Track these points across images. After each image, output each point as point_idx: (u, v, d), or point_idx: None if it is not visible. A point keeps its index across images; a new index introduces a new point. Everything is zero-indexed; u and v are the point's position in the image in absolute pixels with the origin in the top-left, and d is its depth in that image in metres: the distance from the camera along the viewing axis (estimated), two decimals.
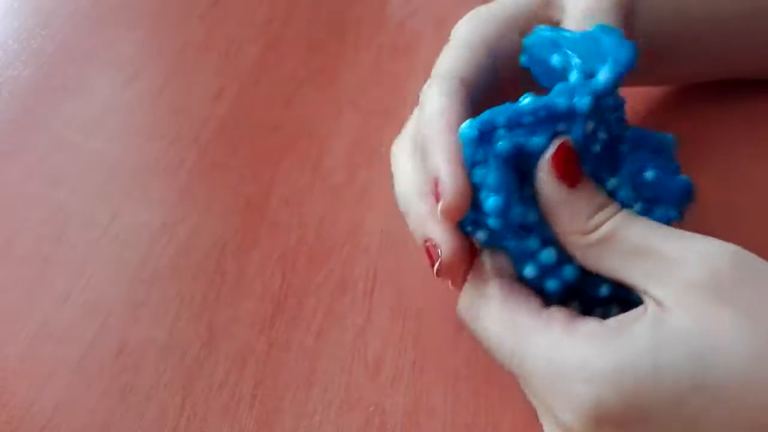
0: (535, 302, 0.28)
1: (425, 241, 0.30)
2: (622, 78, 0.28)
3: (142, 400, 0.36)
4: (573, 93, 0.27)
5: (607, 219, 0.27)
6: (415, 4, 0.57)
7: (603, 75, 0.28)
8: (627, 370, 0.24)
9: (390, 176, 0.44)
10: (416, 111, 0.33)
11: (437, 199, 0.28)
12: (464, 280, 0.30)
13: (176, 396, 0.36)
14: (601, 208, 0.27)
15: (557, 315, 0.27)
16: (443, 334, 0.37)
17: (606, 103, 0.28)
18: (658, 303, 0.25)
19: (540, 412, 0.28)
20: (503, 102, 0.28)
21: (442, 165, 0.28)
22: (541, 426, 0.31)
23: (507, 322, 0.27)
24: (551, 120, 0.27)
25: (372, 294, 0.39)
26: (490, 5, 0.34)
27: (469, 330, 0.30)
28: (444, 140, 0.29)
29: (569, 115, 0.27)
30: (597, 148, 0.28)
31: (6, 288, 0.42)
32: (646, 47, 0.35)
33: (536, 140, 0.27)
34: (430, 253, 0.30)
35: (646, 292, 0.26)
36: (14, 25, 0.59)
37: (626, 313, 0.26)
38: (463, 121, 0.28)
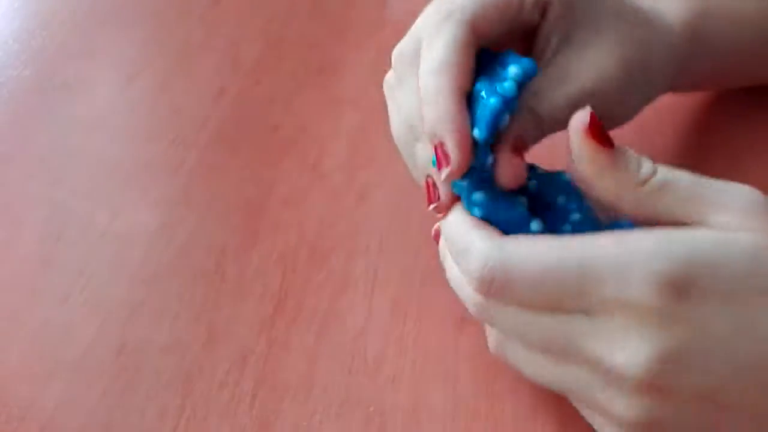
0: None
1: (427, 178, 0.32)
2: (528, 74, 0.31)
3: (142, 400, 0.36)
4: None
5: (654, 170, 0.28)
6: (415, 4, 0.57)
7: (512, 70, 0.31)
8: (692, 250, 0.26)
9: (390, 176, 0.45)
10: (411, 35, 0.34)
11: (439, 159, 0.30)
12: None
13: (176, 396, 0.36)
14: (641, 160, 0.28)
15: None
16: (443, 334, 0.37)
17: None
18: (721, 228, 0.27)
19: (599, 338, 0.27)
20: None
21: (447, 135, 0.30)
22: (539, 426, 0.31)
23: (563, 245, 0.27)
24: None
25: (372, 294, 0.39)
26: None
27: (517, 284, 0.27)
28: (447, 103, 0.30)
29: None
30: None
31: (6, 288, 0.42)
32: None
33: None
34: (431, 190, 0.32)
35: (704, 223, 0.27)
36: (14, 25, 0.59)
37: None
38: (468, 75, 0.30)
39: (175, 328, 0.39)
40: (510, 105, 0.30)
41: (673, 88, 0.40)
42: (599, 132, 0.28)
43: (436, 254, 0.33)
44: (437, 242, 0.33)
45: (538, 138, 0.32)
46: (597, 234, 0.27)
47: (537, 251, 0.27)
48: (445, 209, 0.31)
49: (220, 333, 0.38)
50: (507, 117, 0.30)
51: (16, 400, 0.36)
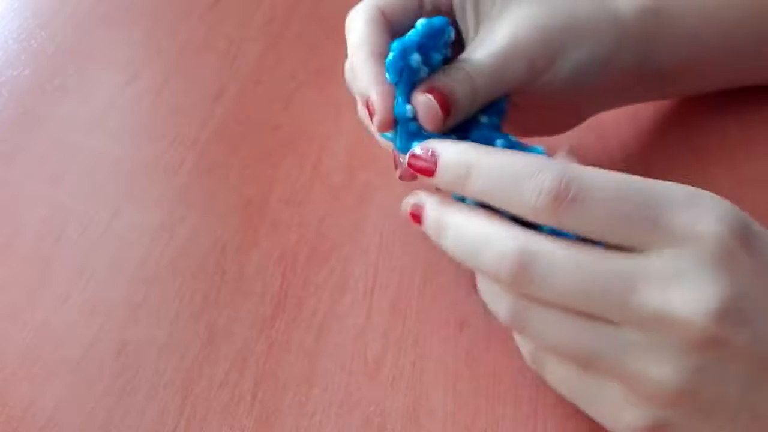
0: None
1: (365, 102, 0.34)
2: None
3: (142, 400, 0.36)
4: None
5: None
6: None
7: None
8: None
9: (390, 176, 0.45)
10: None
11: (370, 115, 0.34)
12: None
13: (176, 396, 0.36)
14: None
15: None
16: (443, 334, 0.37)
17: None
18: None
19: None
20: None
21: (370, 88, 0.33)
22: (539, 426, 0.31)
23: (632, 177, 0.27)
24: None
25: (372, 294, 0.39)
26: None
27: (594, 198, 0.26)
28: (368, 67, 0.34)
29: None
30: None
31: (6, 288, 0.42)
32: (660, 69, 0.39)
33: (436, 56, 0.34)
34: (369, 108, 0.34)
35: None
36: (14, 25, 0.59)
37: None
38: (383, 45, 0.35)
39: (175, 328, 0.39)
40: (410, 47, 0.32)
41: (644, 80, 0.39)
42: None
43: (437, 254, 0.33)
44: (416, 221, 0.33)
45: (473, 94, 0.34)
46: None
47: (608, 175, 0.27)
48: (408, 176, 0.34)
49: (220, 333, 0.39)
50: (419, 63, 0.33)
51: (16, 400, 0.36)
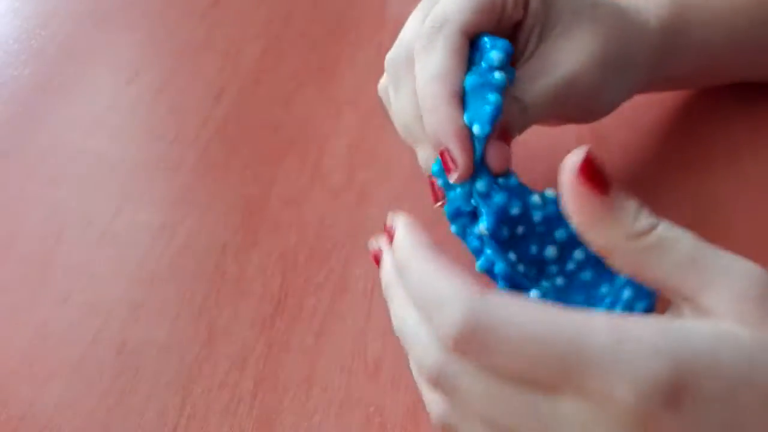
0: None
1: (429, 178, 0.33)
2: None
3: (142, 400, 0.36)
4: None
5: (654, 225, 0.25)
6: (415, 4, 0.57)
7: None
8: (688, 351, 0.23)
9: (390, 176, 0.45)
10: (401, 42, 0.36)
11: (447, 166, 0.31)
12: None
13: (176, 396, 0.36)
14: (640, 212, 0.26)
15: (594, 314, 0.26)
16: None
17: None
18: (706, 311, 0.25)
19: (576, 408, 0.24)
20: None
21: (449, 138, 0.31)
22: None
23: (555, 317, 0.24)
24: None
25: (372, 294, 0.39)
26: None
27: (500, 345, 0.24)
28: (447, 110, 0.31)
29: None
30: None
31: (6, 288, 0.42)
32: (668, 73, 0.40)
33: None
34: (435, 189, 0.33)
35: (692, 299, 0.25)
36: (14, 25, 0.59)
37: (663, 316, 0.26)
38: (461, 82, 0.32)
39: (175, 328, 0.39)
40: (504, 94, 0.31)
41: (653, 85, 0.41)
42: (593, 174, 0.25)
43: None
44: (377, 264, 0.30)
45: (523, 126, 0.34)
46: (591, 314, 0.24)
47: (526, 315, 0.24)
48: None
49: (220, 333, 0.38)
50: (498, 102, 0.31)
51: (16, 400, 0.36)
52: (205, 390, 0.36)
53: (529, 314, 0.24)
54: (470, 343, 0.24)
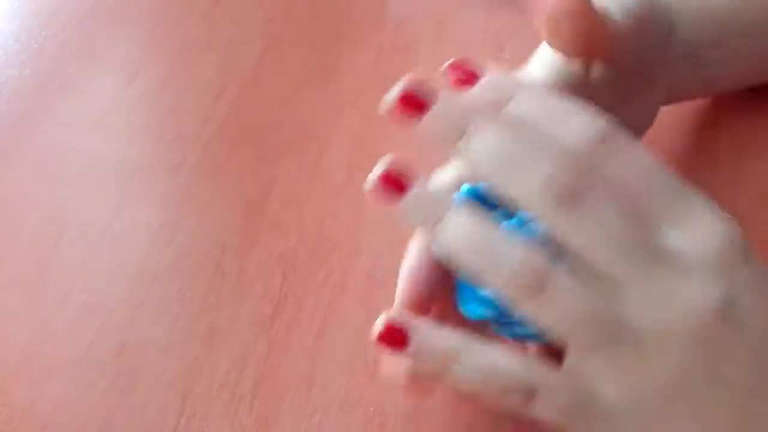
0: None
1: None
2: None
3: (142, 400, 0.36)
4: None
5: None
6: (415, 4, 0.57)
7: None
8: None
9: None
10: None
11: None
12: None
13: (176, 396, 0.36)
14: None
15: None
16: None
17: None
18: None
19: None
20: None
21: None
22: (539, 426, 0.31)
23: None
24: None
25: (372, 294, 0.39)
26: None
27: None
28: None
29: None
30: None
31: (6, 288, 0.42)
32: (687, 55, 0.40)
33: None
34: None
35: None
36: (15, 25, 0.59)
37: None
38: None
39: (175, 328, 0.39)
40: None
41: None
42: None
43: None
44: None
45: None
46: None
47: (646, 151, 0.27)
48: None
49: (220, 333, 0.38)
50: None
51: (16, 400, 0.36)
52: (205, 390, 0.36)
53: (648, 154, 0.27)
54: (604, 143, 0.26)
